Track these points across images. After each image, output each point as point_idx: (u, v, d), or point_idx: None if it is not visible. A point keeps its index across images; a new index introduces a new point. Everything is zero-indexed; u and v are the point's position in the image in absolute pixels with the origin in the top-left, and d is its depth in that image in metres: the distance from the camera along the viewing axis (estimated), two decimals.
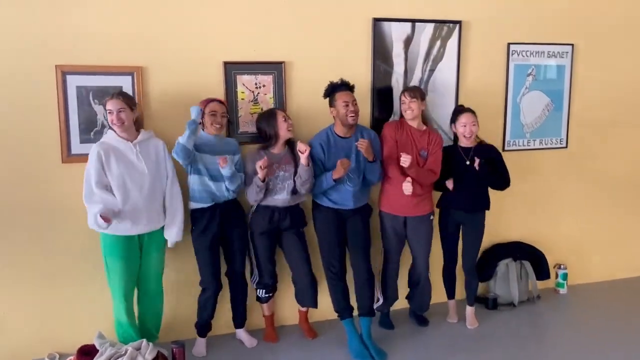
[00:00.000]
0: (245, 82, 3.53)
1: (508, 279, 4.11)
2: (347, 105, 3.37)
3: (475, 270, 3.85)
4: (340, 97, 3.39)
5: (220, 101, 3.33)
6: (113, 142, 3.09)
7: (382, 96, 3.83)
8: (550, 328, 3.79)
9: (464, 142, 3.67)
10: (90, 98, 3.25)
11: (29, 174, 3.22)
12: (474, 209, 3.70)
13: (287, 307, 3.80)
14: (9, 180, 3.20)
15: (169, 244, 3.30)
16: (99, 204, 2.97)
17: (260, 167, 3.20)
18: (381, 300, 3.76)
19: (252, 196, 3.37)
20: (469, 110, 3.64)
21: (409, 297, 3.89)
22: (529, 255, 4.25)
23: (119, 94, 3.06)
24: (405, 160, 3.34)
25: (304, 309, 3.72)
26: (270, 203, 3.42)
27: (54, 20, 3.15)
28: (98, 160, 3.01)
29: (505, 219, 4.28)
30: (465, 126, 3.61)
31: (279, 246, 3.59)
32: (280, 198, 3.41)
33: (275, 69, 3.57)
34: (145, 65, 3.33)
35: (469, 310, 3.87)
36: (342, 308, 3.53)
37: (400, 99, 3.57)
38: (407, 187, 3.40)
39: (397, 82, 3.84)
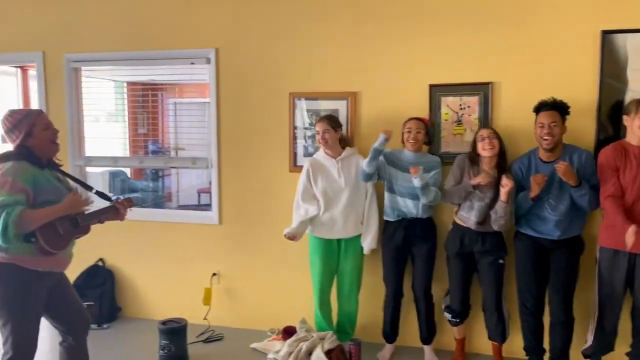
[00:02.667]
0: (449, 104, 3.60)
1: None
2: (542, 127, 3.10)
3: None
4: (539, 118, 3.15)
5: (418, 119, 3.47)
6: (321, 158, 3.61)
7: (611, 116, 3.33)
8: None
9: None
10: (314, 119, 3.86)
11: (265, 179, 4.02)
12: None
13: (485, 336, 3.64)
14: (251, 183, 4.06)
15: (365, 251, 3.64)
16: (298, 216, 3.58)
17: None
18: (589, 343, 3.25)
19: (453, 197, 3.37)
20: None
21: (631, 354, 3.25)
22: None
23: (325, 117, 3.57)
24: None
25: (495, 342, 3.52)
26: (461, 221, 3.38)
27: (289, 53, 3.87)
28: (306, 173, 3.58)
29: None
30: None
31: (475, 273, 3.49)
32: (467, 216, 3.34)
33: (482, 89, 3.52)
34: (358, 90, 3.76)
35: None
36: (531, 348, 3.26)
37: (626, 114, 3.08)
38: (629, 237, 2.84)
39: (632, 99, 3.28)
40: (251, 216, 4.09)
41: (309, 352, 3.38)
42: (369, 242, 3.59)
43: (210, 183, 9.29)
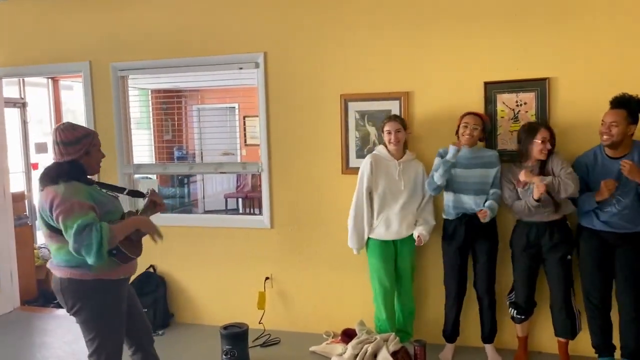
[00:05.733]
0: (505, 101, 3.58)
1: None
2: (603, 125, 3.09)
3: None
4: (605, 115, 3.11)
5: (475, 114, 3.44)
6: (383, 155, 3.60)
7: None
8: None
9: None
10: (365, 120, 3.85)
11: (317, 182, 4.02)
12: None
13: (548, 333, 3.60)
14: (303, 186, 4.05)
15: (415, 235, 3.55)
16: (351, 219, 3.62)
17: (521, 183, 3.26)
18: None
19: (519, 211, 3.37)
20: None
21: None
22: None
23: (396, 116, 3.57)
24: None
25: (563, 339, 3.49)
26: (528, 219, 3.36)
27: (338, 55, 3.87)
28: (370, 167, 3.56)
29: None
30: None
31: (543, 268, 3.47)
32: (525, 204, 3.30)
33: (539, 85, 3.49)
34: (411, 90, 3.75)
35: None
36: (600, 345, 3.22)
37: None
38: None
39: None
40: (303, 219, 4.08)
41: (374, 354, 3.37)
42: (421, 229, 3.54)
43: (237, 187, 9.33)
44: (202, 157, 7.41)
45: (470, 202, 3.44)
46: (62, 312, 4.78)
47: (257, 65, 4.03)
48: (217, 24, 4.10)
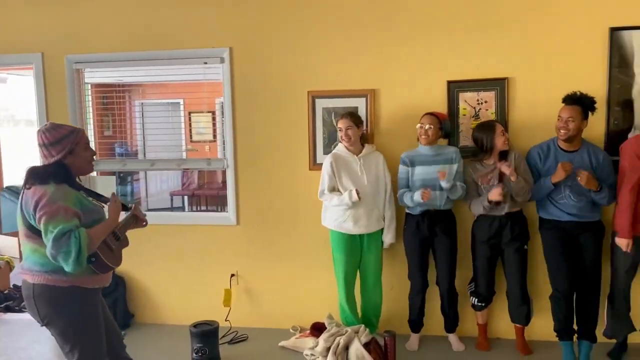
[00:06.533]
0: (467, 99, 3.74)
1: None
2: (560, 120, 3.30)
3: None
4: (561, 110, 3.32)
5: (431, 113, 3.57)
6: (342, 153, 3.66)
7: (620, 110, 3.56)
8: None
9: None
10: (332, 117, 3.90)
11: (284, 178, 4.03)
12: None
13: (505, 320, 3.80)
14: (270, 182, 4.06)
15: (385, 245, 3.73)
16: (333, 197, 3.60)
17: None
18: (607, 324, 3.49)
19: (475, 209, 3.56)
20: None
21: None
22: None
23: (348, 114, 3.62)
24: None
25: (519, 325, 3.69)
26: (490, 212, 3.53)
27: (306, 52, 3.90)
28: (330, 167, 3.62)
29: None
30: None
31: (500, 259, 3.65)
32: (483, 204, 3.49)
33: (498, 85, 3.68)
34: (377, 88, 3.84)
35: None
36: (561, 329, 3.42)
37: None
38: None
39: (638, 94, 3.53)
40: (270, 215, 4.09)
41: (346, 346, 3.43)
42: (389, 238, 3.71)
43: (183, 185, 9.13)
44: (144, 153, 7.22)
45: (434, 197, 3.57)
46: (12, 316, 4.54)
47: (222, 60, 3.99)
48: (181, 17, 4.02)
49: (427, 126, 3.53)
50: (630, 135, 3.52)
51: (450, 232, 3.66)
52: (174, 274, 4.25)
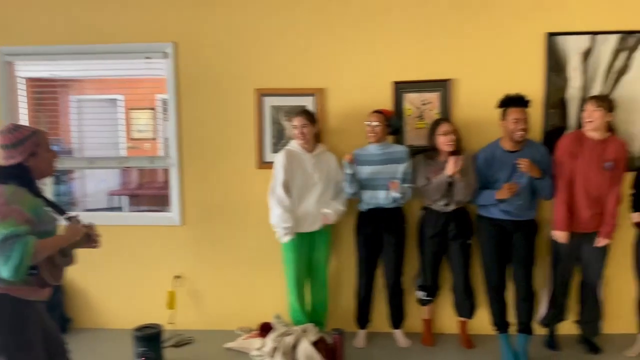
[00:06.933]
0: (412, 100, 3.81)
1: None
2: (516, 123, 3.38)
3: None
4: (512, 113, 3.41)
5: (377, 111, 3.61)
6: (296, 150, 3.64)
7: (556, 111, 3.73)
8: None
9: None
10: (281, 115, 3.88)
11: (231, 177, 3.97)
12: None
13: (450, 315, 3.91)
14: (216, 181, 3.98)
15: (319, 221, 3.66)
16: (279, 206, 3.55)
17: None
18: (544, 314, 3.66)
19: (432, 194, 3.57)
20: None
21: (578, 321, 3.69)
22: None
23: (303, 112, 3.61)
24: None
25: (462, 319, 3.80)
26: (434, 207, 3.62)
27: (254, 50, 3.85)
28: (284, 161, 3.58)
29: None
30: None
31: (445, 254, 3.74)
32: (440, 203, 3.58)
33: (442, 86, 3.77)
34: (325, 87, 3.85)
35: None
36: (498, 322, 3.55)
37: (584, 107, 3.46)
38: None
39: (572, 96, 3.71)
40: (216, 215, 4.01)
41: (295, 346, 3.41)
42: (326, 210, 3.63)
43: (122, 185, 8.84)
44: (81, 151, 6.94)
45: (383, 196, 3.62)
46: None
47: (166, 55, 3.88)
48: (123, 10, 3.88)
49: (374, 123, 3.57)
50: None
51: (399, 229, 3.71)
52: (115, 276, 4.10)
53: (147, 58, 3.90)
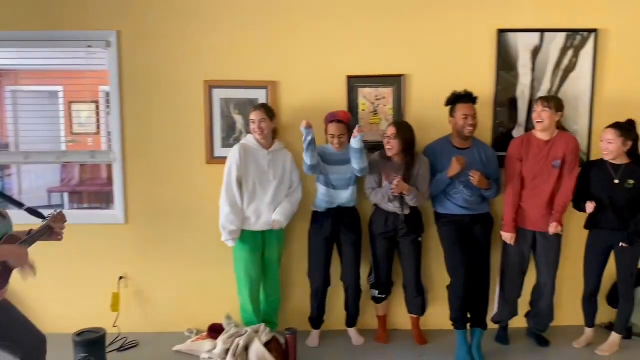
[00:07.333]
0: (366, 95, 3.76)
1: None
2: (466, 118, 3.40)
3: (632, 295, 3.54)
4: (461, 109, 3.43)
5: (339, 120, 3.50)
6: (252, 145, 3.52)
7: (506, 108, 3.78)
8: None
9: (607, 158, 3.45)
10: (231, 108, 3.74)
11: (179, 173, 3.81)
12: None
13: (403, 312, 3.87)
14: (162, 177, 3.81)
15: (270, 220, 3.53)
16: (227, 205, 3.43)
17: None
18: (495, 311, 3.71)
19: (376, 198, 3.55)
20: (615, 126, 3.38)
21: (528, 315, 3.76)
22: None
23: (262, 106, 3.49)
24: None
25: (415, 316, 3.79)
26: (385, 208, 3.58)
27: (203, 40, 3.70)
28: (238, 156, 3.44)
29: None
30: (604, 142, 3.41)
31: (396, 251, 3.72)
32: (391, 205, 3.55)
33: (396, 81, 3.74)
34: (278, 80, 3.74)
35: (616, 338, 3.57)
36: (457, 317, 3.53)
37: (533, 107, 3.51)
38: None
39: (522, 93, 3.76)
40: (163, 212, 3.84)
41: (246, 347, 3.30)
42: (275, 214, 3.51)
43: (62, 181, 8.46)
44: (17, 146, 6.56)
45: (344, 196, 3.56)
46: None
47: (108, 45, 3.67)
48: None
49: (338, 136, 3.48)
50: (514, 134, 3.76)
51: (355, 229, 3.65)
52: (54, 277, 3.85)
53: (89, 47, 3.68)
